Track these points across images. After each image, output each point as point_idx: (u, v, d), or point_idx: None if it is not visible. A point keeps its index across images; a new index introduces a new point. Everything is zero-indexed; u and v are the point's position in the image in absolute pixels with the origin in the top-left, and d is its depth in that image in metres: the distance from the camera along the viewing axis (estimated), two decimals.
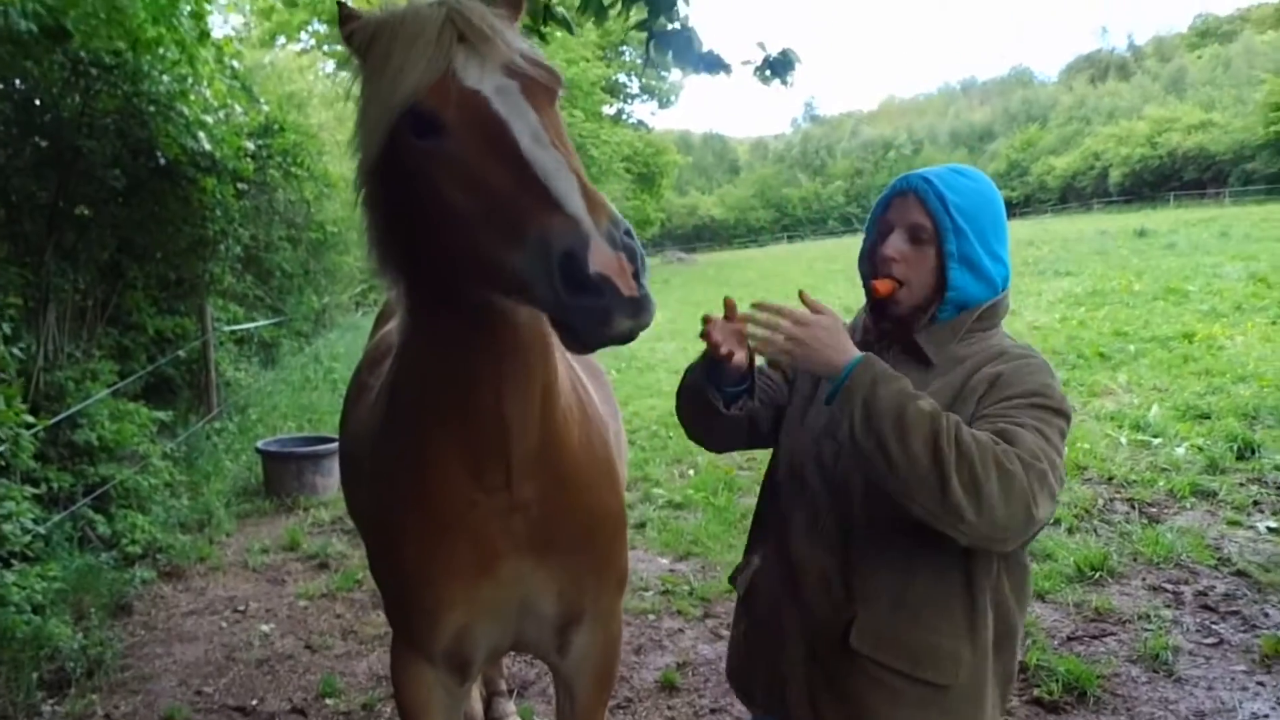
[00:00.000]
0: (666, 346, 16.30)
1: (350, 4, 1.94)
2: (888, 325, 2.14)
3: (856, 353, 1.86)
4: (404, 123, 1.67)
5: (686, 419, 2.31)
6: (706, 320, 2.01)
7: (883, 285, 2.08)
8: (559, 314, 1.52)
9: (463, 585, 2.22)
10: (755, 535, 2.38)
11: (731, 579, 2.41)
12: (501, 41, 1.69)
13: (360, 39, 1.82)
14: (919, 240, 2.06)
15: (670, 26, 5.13)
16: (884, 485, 1.80)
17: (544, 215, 1.50)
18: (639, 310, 1.48)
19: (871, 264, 2.16)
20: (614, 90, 50.25)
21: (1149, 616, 4.89)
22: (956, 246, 2.03)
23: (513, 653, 4.66)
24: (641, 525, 6.79)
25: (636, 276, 1.48)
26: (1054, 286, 20.06)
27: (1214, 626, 4.77)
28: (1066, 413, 1.92)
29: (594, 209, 1.49)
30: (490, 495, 2.14)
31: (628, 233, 1.51)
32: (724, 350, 1.99)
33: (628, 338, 1.52)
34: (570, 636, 2.45)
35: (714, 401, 2.16)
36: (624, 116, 52.97)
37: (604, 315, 1.46)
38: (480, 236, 1.60)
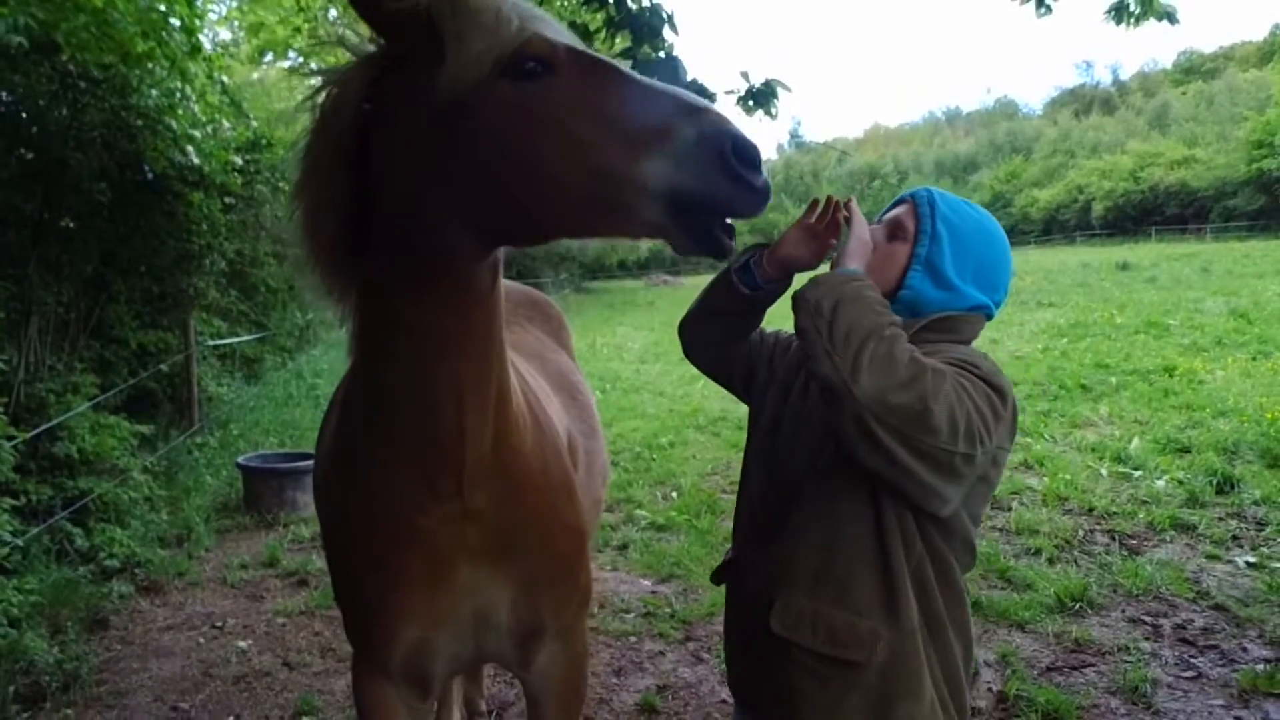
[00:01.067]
0: (651, 369, 16.31)
1: None
2: None
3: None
4: (508, 68, 1.67)
5: (697, 317, 2.42)
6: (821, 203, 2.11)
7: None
8: (719, 195, 1.58)
9: (416, 596, 2.20)
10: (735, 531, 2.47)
11: (714, 578, 2.53)
12: (555, 25, 1.76)
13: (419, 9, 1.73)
14: (894, 237, 2.12)
15: (656, 55, 5.16)
16: (809, 339, 1.87)
17: (692, 115, 1.59)
18: (767, 195, 1.63)
19: None
20: None
21: (1128, 648, 4.90)
22: (926, 250, 2.07)
23: (492, 670, 4.65)
24: (624, 547, 6.78)
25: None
26: (1036, 317, 20.19)
27: (1192, 660, 4.79)
28: (1000, 387, 1.94)
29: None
30: (441, 503, 2.12)
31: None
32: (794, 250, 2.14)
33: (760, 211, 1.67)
34: (533, 651, 2.44)
35: (737, 286, 2.24)
36: None
37: (766, 189, 1.61)
38: (603, 161, 1.62)
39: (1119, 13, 6.97)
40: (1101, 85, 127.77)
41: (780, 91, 5.47)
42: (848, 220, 2.07)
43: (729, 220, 1.65)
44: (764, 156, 1.63)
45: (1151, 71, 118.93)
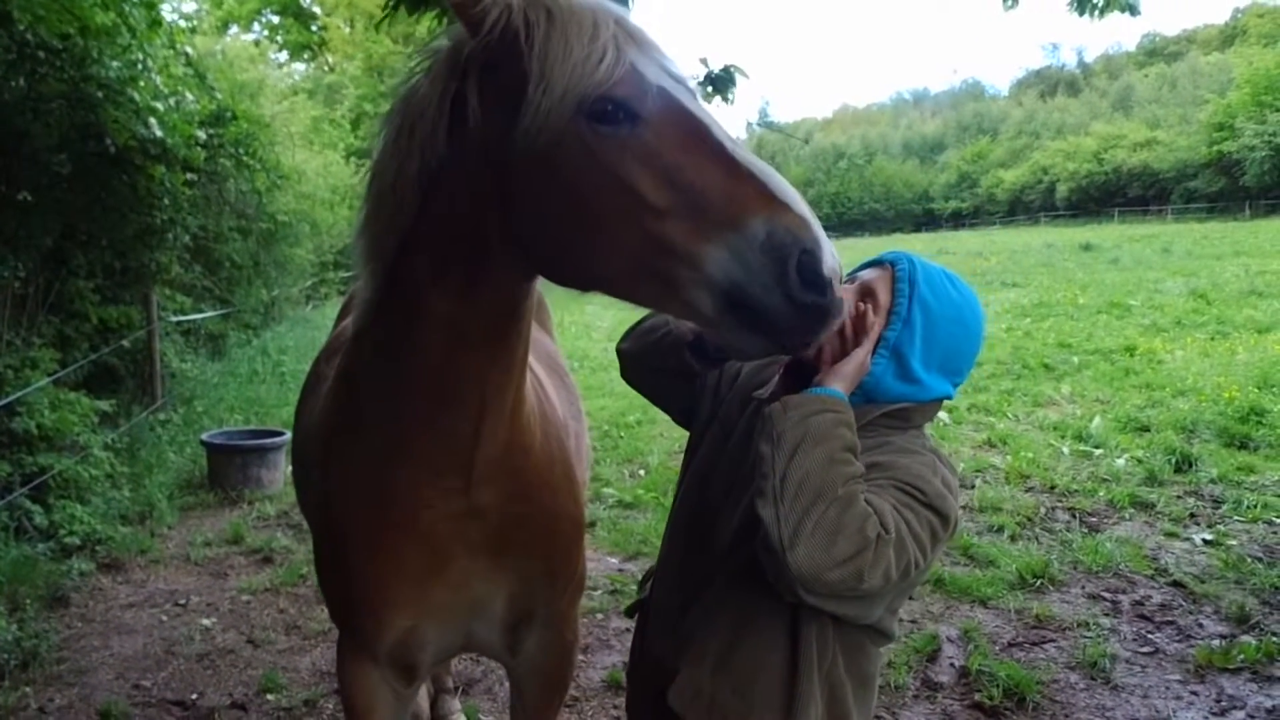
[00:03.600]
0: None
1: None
2: (793, 387, 1.93)
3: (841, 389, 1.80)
4: (592, 108, 1.55)
5: (639, 354, 2.31)
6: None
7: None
8: (772, 311, 1.46)
9: (412, 587, 2.16)
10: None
11: (628, 611, 2.40)
12: (659, 48, 1.65)
13: (510, 15, 1.63)
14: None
15: None
16: (761, 474, 1.70)
17: (770, 210, 1.45)
18: (839, 314, 1.51)
19: None
20: None
21: (1088, 624, 4.98)
22: (896, 336, 1.87)
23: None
24: (592, 524, 6.78)
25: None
26: (1001, 297, 20.36)
27: (1150, 636, 4.87)
28: (944, 512, 1.79)
29: (811, 212, 1.48)
30: (447, 498, 2.07)
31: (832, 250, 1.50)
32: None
33: (818, 339, 1.55)
34: (521, 637, 2.40)
35: (688, 360, 2.19)
36: None
37: (824, 315, 1.47)
38: (666, 233, 1.51)
39: (1082, 4, 7.01)
40: (1067, 67, 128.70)
41: (740, 78, 5.46)
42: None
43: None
44: (830, 255, 1.47)
45: (1116, 54, 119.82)
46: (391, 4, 4.98)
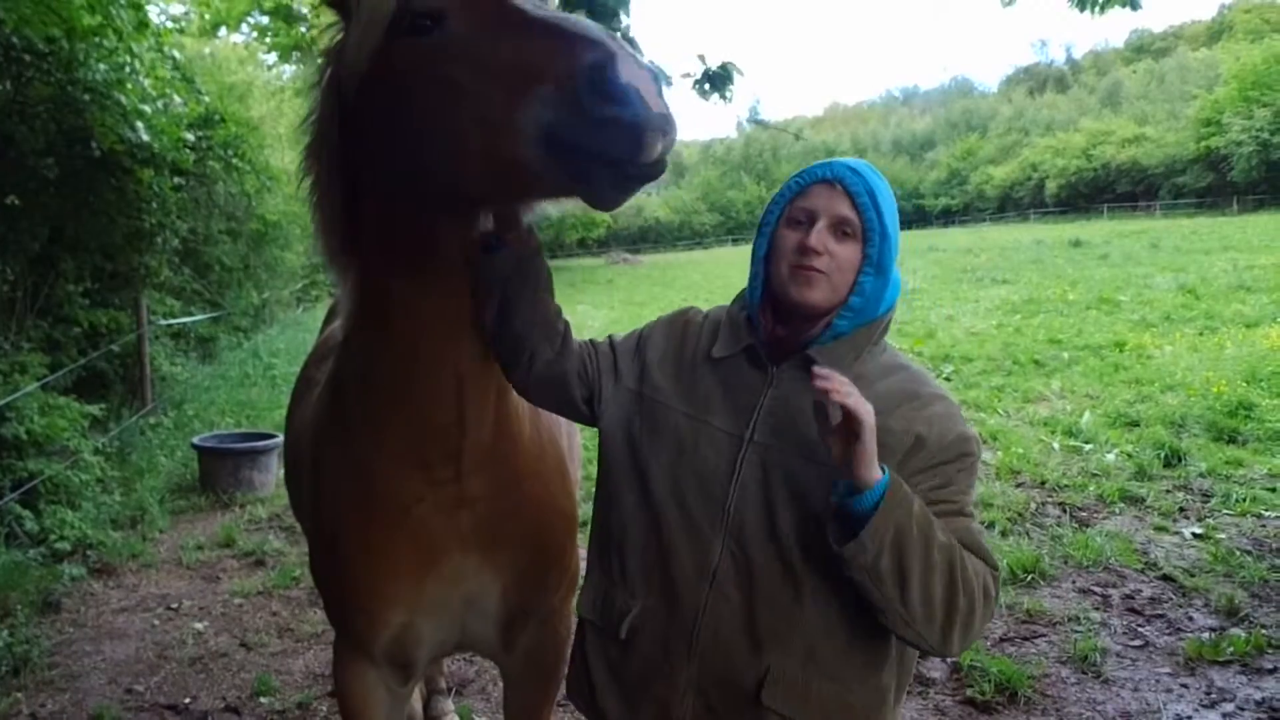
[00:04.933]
0: None
1: None
2: (782, 332, 1.93)
3: (878, 464, 1.68)
4: (404, 26, 1.63)
5: (497, 328, 2.03)
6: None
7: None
8: (585, 140, 1.44)
9: (406, 583, 2.17)
10: (614, 566, 2.05)
11: (583, 607, 2.12)
12: None
13: None
14: (844, 235, 1.84)
15: None
16: (876, 606, 1.70)
17: (568, 54, 1.44)
18: (670, 126, 1.44)
19: (771, 257, 1.92)
20: None
21: (1078, 619, 4.99)
22: (878, 250, 1.85)
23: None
24: (584, 524, 6.78)
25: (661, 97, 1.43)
26: (991, 294, 20.42)
27: (1140, 629, 4.89)
28: (978, 450, 1.88)
29: (614, 40, 1.45)
30: (438, 490, 2.09)
31: (651, 63, 1.46)
32: None
33: (658, 164, 1.48)
34: (515, 633, 2.41)
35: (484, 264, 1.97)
36: None
37: (637, 129, 1.40)
38: (487, 111, 1.53)
39: (1083, 0, 6.99)
40: (1055, 64, 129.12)
41: (736, 75, 5.45)
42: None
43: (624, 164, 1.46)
44: (662, 84, 1.46)
45: (1104, 50, 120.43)
46: None
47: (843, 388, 1.62)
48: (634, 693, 1.98)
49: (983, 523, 6.40)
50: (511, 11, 1.57)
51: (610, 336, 2.21)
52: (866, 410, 1.61)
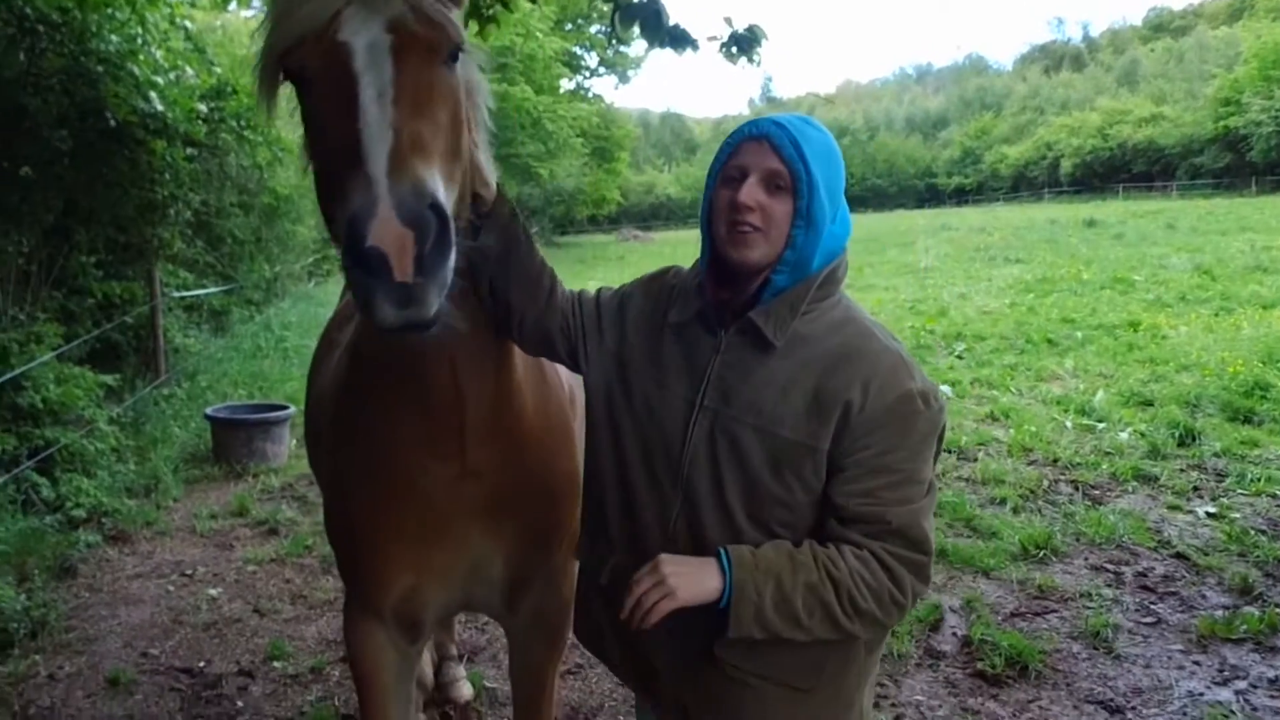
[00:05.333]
0: None
1: None
2: (725, 295, 1.95)
3: (716, 567, 1.78)
4: (284, 71, 1.69)
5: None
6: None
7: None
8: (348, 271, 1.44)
9: (412, 549, 2.22)
10: (597, 516, 2.16)
11: (577, 554, 2.28)
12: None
13: None
14: (776, 189, 1.84)
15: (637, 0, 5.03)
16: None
17: (354, 175, 1.44)
18: (406, 300, 1.40)
19: (711, 219, 1.93)
20: (573, 64, 49.83)
21: (1090, 595, 4.99)
22: (808, 202, 1.83)
23: (464, 617, 4.67)
24: None
25: (420, 260, 1.38)
26: (1004, 273, 20.34)
27: (1153, 606, 4.89)
28: (932, 405, 1.84)
29: (398, 170, 1.42)
30: (443, 462, 2.13)
31: (434, 206, 1.42)
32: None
33: (391, 330, 1.45)
34: (520, 596, 2.45)
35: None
36: (583, 91, 52.57)
37: (369, 296, 1.40)
38: (325, 189, 1.65)
39: None
40: (1072, 42, 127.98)
41: (763, 39, 5.35)
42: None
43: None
44: (428, 242, 1.40)
45: (1121, 28, 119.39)
46: None
47: (638, 607, 1.77)
48: (624, 638, 2.06)
49: (994, 499, 6.42)
50: (351, 98, 1.55)
51: (599, 291, 2.24)
52: (662, 603, 1.75)
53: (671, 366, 1.99)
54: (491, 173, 2.07)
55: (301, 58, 1.63)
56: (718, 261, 1.92)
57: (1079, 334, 12.59)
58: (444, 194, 1.51)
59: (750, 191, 1.83)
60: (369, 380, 2.18)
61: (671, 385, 1.98)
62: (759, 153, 1.86)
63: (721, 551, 1.79)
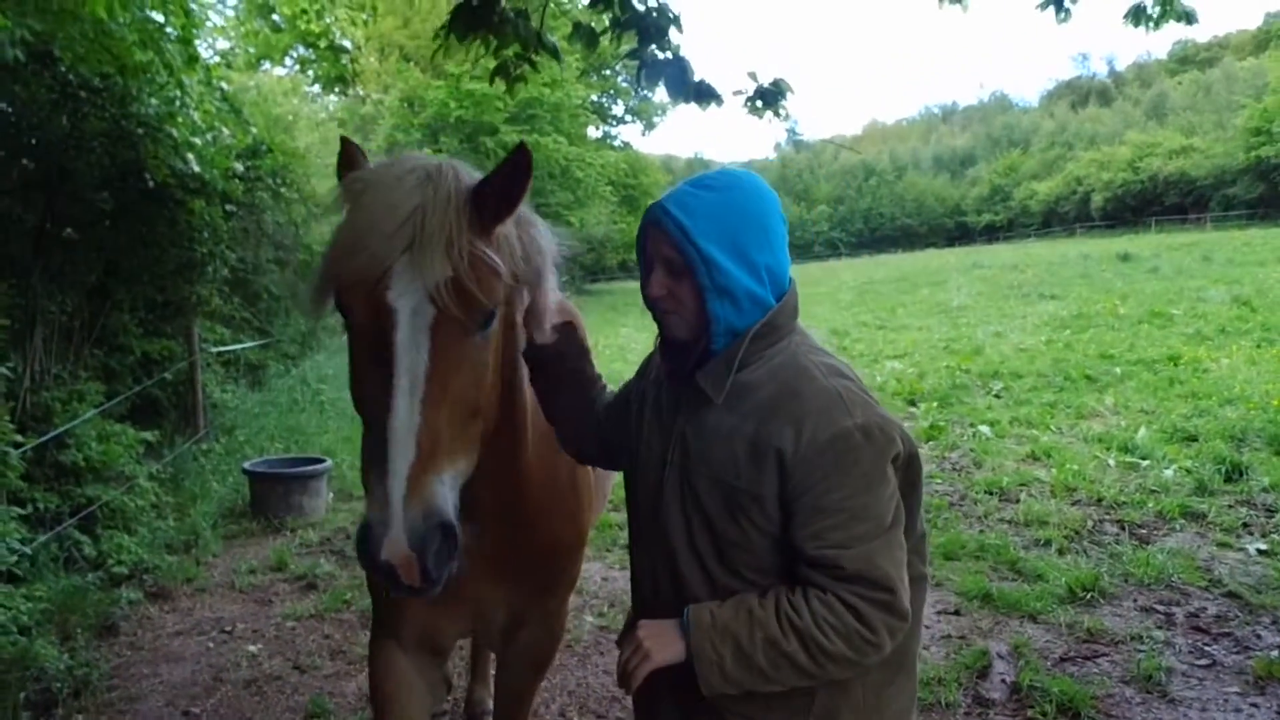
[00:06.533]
0: None
1: (353, 141, 2.13)
2: (672, 365, 2.06)
3: (678, 629, 1.89)
4: (336, 304, 1.92)
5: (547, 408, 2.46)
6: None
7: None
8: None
9: (421, 601, 2.42)
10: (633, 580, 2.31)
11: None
12: (441, 260, 1.81)
13: (349, 191, 1.97)
14: (676, 272, 1.93)
15: (662, 55, 5.07)
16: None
17: (378, 471, 1.73)
18: (418, 595, 1.75)
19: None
20: (600, 113, 50.36)
21: (1141, 637, 4.89)
22: (709, 278, 1.89)
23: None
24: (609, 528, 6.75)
25: (425, 571, 1.69)
26: (1039, 310, 20.18)
27: (1206, 648, 4.77)
28: (876, 438, 1.84)
29: (414, 492, 1.70)
30: None
31: (442, 525, 1.72)
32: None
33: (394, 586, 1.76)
34: (515, 632, 2.69)
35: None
36: (609, 139, 53.07)
37: (387, 586, 1.74)
38: (355, 394, 1.93)
39: (1138, 15, 6.85)
40: (1098, 77, 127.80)
41: (788, 93, 5.36)
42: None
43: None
44: (430, 557, 1.72)
45: (1147, 62, 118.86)
46: (444, 31, 5.00)
47: (623, 671, 1.93)
48: (637, 699, 2.18)
49: (1039, 541, 6.32)
50: (388, 376, 1.80)
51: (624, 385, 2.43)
52: (640, 667, 1.88)
53: (653, 429, 2.12)
54: (553, 308, 2.31)
55: (352, 303, 1.86)
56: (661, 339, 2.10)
57: (1118, 370, 12.44)
58: (452, 500, 1.80)
59: (656, 282, 1.97)
60: None
61: (653, 447, 2.10)
62: (658, 239, 1.96)
63: (686, 612, 1.88)
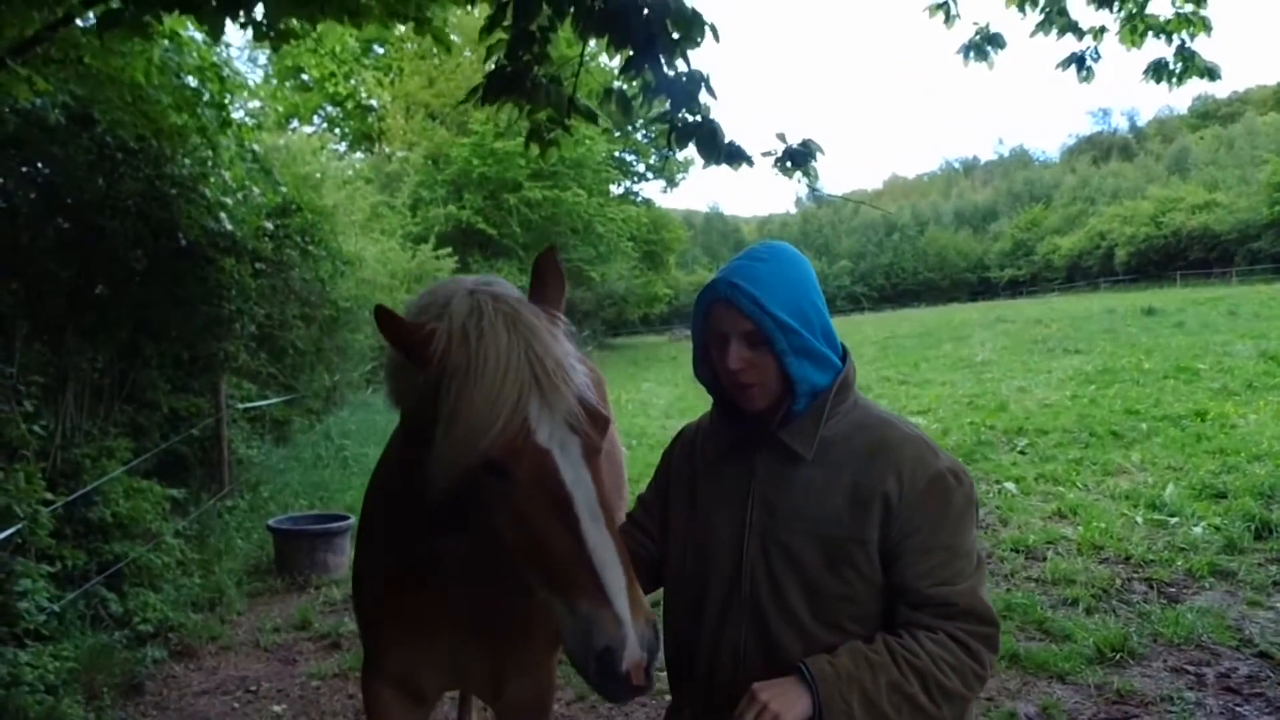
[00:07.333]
0: (677, 424, 16.19)
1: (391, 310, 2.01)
2: (746, 430, 2.16)
3: (801, 685, 1.88)
4: (479, 465, 1.86)
5: None
6: None
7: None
8: (585, 672, 1.81)
9: (406, 646, 2.54)
10: (676, 662, 2.33)
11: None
12: (569, 390, 1.89)
13: (436, 349, 1.92)
14: (755, 344, 2.04)
15: (692, 119, 5.12)
16: None
17: (594, 601, 1.77)
18: (640, 694, 1.81)
19: (709, 371, 2.19)
20: (622, 168, 50.77)
21: (1172, 699, 4.81)
22: (787, 342, 2.02)
23: None
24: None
25: (648, 670, 1.78)
26: (1064, 364, 20.06)
27: (1238, 709, 4.70)
28: (964, 481, 2.01)
29: (635, 608, 1.78)
30: (429, 592, 2.44)
31: (654, 626, 1.81)
32: None
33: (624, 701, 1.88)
34: (501, 686, 2.68)
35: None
36: (631, 195, 53.46)
37: (614, 696, 1.82)
38: (529, 572, 1.89)
39: (1159, 72, 6.89)
40: (1119, 132, 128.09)
41: (818, 153, 5.38)
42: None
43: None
44: (654, 660, 1.81)
45: (1168, 117, 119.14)
46: (477, 95, 5.10)
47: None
48: None
49: (1066, 600, 6.24)
50: (571, 515, 1.84)
51: (641, 495, 2.51)
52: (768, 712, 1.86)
53: (713, 503, 2.18)
54: None
55: (504, 459, 1.85)
56: (734, 406, 2.16)
57: (1144, 425, 12.32)
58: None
59: (735, 356, 2.04)
60: (386, 505, 2.56)
61: (717, 519, 2.16)
62: (729, 317, 2.05)
63: (803, 667, 1.89)
